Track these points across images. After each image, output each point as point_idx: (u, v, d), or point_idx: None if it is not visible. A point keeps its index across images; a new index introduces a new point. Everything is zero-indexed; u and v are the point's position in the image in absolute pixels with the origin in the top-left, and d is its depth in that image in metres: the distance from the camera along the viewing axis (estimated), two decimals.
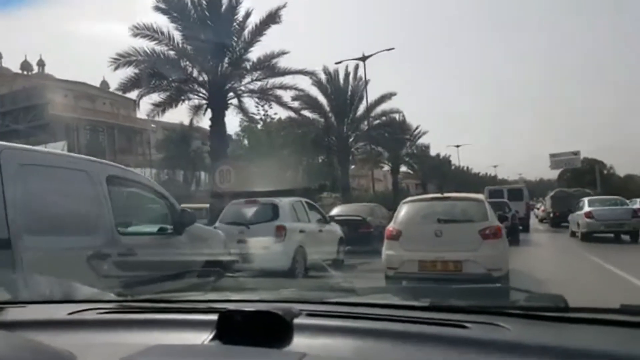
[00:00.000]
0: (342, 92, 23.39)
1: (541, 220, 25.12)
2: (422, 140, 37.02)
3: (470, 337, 0.90)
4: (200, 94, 15.87)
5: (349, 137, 24.11)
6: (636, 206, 14.81)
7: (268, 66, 15.77)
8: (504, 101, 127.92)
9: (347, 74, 23.70)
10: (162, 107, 16.26)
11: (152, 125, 31.83)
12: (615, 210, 12.99)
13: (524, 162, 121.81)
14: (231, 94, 15.99)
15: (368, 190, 35.88)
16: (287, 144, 22.41)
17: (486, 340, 0.88)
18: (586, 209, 13.31)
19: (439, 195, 6.66)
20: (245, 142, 24.30)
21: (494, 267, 5.35)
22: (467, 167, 61.70)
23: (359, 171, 36.42)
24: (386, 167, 35.22)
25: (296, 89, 17.20)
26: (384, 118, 25.02)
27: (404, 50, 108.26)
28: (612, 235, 12.83)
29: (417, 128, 33.82)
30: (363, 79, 23.59)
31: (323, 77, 22.97)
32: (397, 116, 26.26)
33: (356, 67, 23.63)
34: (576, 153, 38.05)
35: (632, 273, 6.74)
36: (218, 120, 15.42)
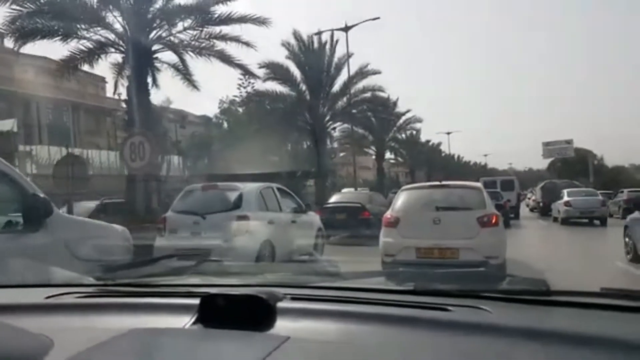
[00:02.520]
0: (318, 64, 20.99)
1: (532, 210, 26.78)
2: (413, 126, 35.49)
3: (453, 320, 0.95)
4: (119, 47, 12.99)
5: (325, 115, 21.90)
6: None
7: (205, 11, 12.95)
8: (495, 90, 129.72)
9: (322, 44, 21.35)
10: (73, 63, 13.21)
11: (123, 105, 31.00)
12: (588, 200, 16.53)
13: (513, 152, 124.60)
14: (158, 46, 13.36)
15: (357, 179, 35.87)
16: (252, 121, 20.94)
17: (468, 323, 0.93)
18: (565, 198, 16.88)
19: (437, 182, 6.85)
20: (225, 125, 23.55)
21: (492, 255, 5.54)
22: (458, 156, 62.30)
23: (347, 158, 36.13)
24: (373, 155, 34.52)
25: (240, 40, 13.73)
26: (365, 95, 22.65)
27: (393, 33, 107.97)
28: (586, 220, 16.19)
29: (406, 112, 32.39)
30: (345, 52, 21.64)
31: (294, 43, 21.02)
32: (382, 95, 24.07)
33: (332, 36, 21.56)
34: (569, 142, 38.64)
35: (589, 243, 11.33)
36: (138, 79, 12.67)
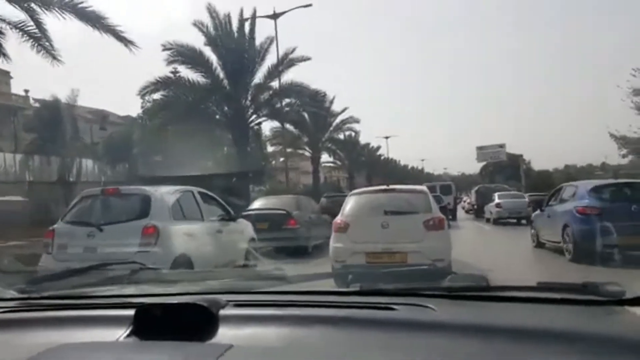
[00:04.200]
0: (238, 48, 18.62)
1: (467, 212, 29.28)
2: (351, 127, 34.35)
3: (398, 319, 1.00)
4: None
5: (248, 109, 19.52)
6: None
7: None
8: (430, 97, 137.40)
9: (242, 24, 18.97)
10: None
11: (34, 103, 28.51)
12: (516, 202, 19.15)
13: (447, 157, 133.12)
14: None
15: (297, 184, 35.60)
16: (165, 115, 18.46)
17: (413, 321, 0.99)
18: (496, 201, 19.49)
19: (385, 187, 7.12)
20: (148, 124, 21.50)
21: (438, 258, 5.86)
22: (396, 160, 64.45)
23: (288, 163, 35.52)
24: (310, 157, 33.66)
25: None
26: (293, 87, 20.19)
27: (325, 36, 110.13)
28: (515, 220, 18.58)
29: (343, 111, 31.18)
30: (271, 40, 19.38)
31: (209, 22, 18.51)
32: (312, 88, 21.38)
33: (253, 15, 19.22)
34: (502, 146, 41.55)
35: (514, 238, 13.87)
36: None
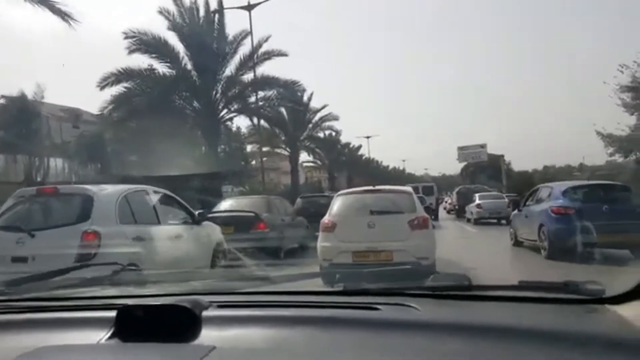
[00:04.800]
0: (207, 39, 17.88)
1: (449, 212, 30.08)
2: (330, 125, 33.60)
3: (382, 319, 1.02)
4: None
5: (219, 103, 18.47)
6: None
7: None
8: (412, 95, 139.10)
9: (208, 12, 18.15)
10: None
11: (0, 99, 27.49)
12: (496, 203, 19.98)
13: (429, 157, 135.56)
14: None
15: (278, 184, 35.31)
16: (118, 105, 17.41)
17: (397, 321, 1.01)
18: (477, 201, 20.31)
19: (371, 187, 7.42)
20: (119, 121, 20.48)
21: (422, 256, 6.11)
22: (377, 160, 64.49)
23: (268, 163, 34.95)
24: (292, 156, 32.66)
25: None
26: (270, 80, 19.33)
27: (309, 33, 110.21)
28: (495, 220, 19.37)
29: (322, 107, 30.36)
30: (244, 32, 18.62)
31: (175, 10, 17.88)
32: (286, 79, 20.27)
33: (219, 5, 18.45)
34: (483, 146, 42.22)
35: (494, 237, 14.20)
36: None
